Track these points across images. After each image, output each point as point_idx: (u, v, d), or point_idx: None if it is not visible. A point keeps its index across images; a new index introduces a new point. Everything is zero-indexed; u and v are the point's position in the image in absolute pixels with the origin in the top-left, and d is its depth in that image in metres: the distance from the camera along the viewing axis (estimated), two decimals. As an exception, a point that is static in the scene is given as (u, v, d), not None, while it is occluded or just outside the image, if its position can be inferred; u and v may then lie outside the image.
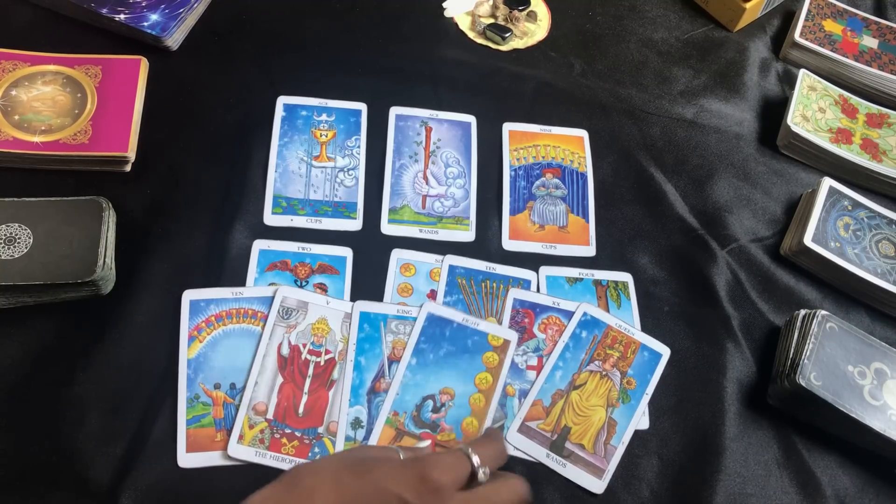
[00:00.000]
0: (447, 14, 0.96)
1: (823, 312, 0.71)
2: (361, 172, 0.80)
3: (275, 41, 0.89)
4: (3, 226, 0.67)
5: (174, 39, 0.85)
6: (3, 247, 0.66)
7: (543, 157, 0.84)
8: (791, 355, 0.69)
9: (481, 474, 0.51)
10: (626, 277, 0.77)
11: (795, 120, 0.87)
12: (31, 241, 0.67)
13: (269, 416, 0.65)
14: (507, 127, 0.86)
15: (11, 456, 0.61)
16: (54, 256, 0.66)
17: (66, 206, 0.69)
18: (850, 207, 0.81)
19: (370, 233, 0.77)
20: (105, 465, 0.61)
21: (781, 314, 0.77)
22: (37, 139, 0.74)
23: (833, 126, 0.89)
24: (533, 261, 0.77)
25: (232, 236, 0.73)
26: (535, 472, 0.65)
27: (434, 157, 0.83)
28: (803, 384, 0.66)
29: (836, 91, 0.92)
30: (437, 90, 0.88)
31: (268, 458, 0.63)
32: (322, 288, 0.72)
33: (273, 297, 0.70)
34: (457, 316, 0.71)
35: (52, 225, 0.68)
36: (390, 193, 0.79)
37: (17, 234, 0.67)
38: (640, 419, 0.69)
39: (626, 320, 0.74)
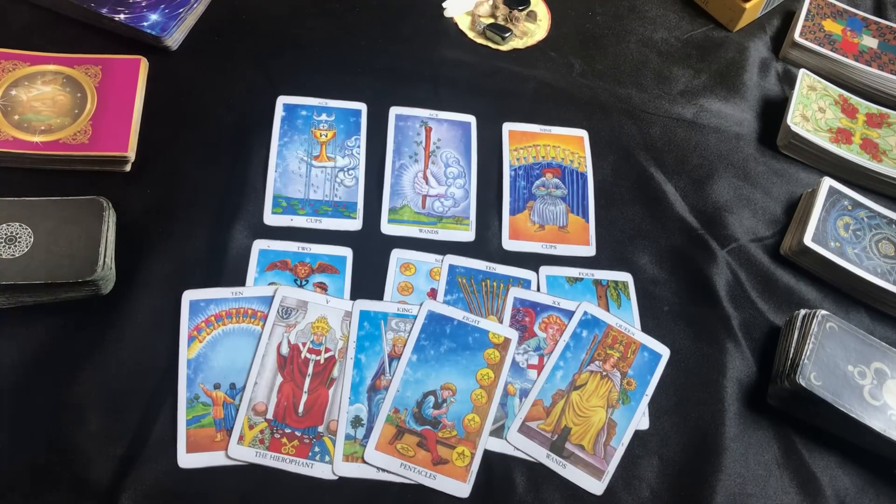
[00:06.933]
0: (447, 14, 0.96)
1: (823, 312, 0.71)
2: (361, 172, 0.80)
3: (275, 41, 0.89)
4: (4, 225, 0.67)
5: (174, 39, 0.85)
6: (4, 246, 0.66)
7: (543, 157, 0.84)
8: (791, 355, 0.69)
9: None
10: (626, 277, 0.77)
11: (795, 120, 0.87)
12: (32, 240, 0.67)
13: (269, 415, 0.65)
14: (507, 127, 0.86)
15: (11, 456, 0.61)
16: (55, 256, 0.66)
17: (67, 206, 0.69)
18: (850, 207, 0.81)
19: (370, 232, 0.77)
20: (105, 465, 0.61)
21: (781, 314, 0.77)
22: (37, 139, 0.74)
23: (833, 126, 0.89)
24: (533, 261, 0.77)
25: (232, 236, 0.73)
26: (535, 473, 0.65)
27: (434, 157, 0.83)
28: (803, 384, 0.66)
29: (836, 91, 0.92)
30: (437, 90, 0.88)
31: (268, 459, 0.63)
32: (322, 287, 0.72)
33: (273, 297, 0.70)
34: (457, 314, 0.71)
35: (53, 224, 0.68)
36: (390, 193, 0.79)
37: (17, 234, 0.67)
38: (640, 419, 0.69)
39: (626, 320, 0.73)
